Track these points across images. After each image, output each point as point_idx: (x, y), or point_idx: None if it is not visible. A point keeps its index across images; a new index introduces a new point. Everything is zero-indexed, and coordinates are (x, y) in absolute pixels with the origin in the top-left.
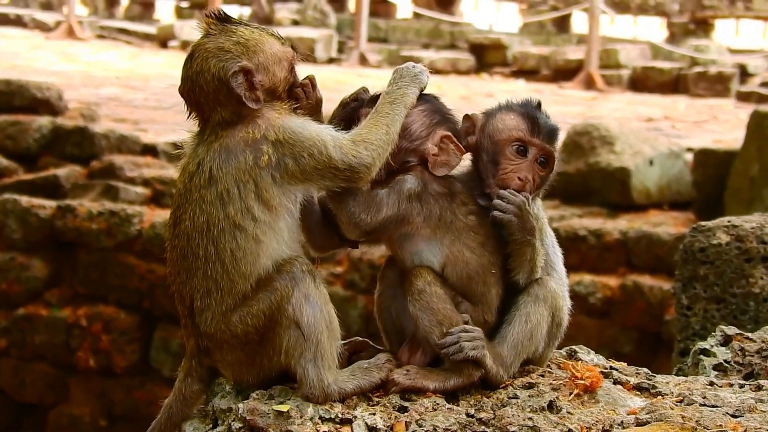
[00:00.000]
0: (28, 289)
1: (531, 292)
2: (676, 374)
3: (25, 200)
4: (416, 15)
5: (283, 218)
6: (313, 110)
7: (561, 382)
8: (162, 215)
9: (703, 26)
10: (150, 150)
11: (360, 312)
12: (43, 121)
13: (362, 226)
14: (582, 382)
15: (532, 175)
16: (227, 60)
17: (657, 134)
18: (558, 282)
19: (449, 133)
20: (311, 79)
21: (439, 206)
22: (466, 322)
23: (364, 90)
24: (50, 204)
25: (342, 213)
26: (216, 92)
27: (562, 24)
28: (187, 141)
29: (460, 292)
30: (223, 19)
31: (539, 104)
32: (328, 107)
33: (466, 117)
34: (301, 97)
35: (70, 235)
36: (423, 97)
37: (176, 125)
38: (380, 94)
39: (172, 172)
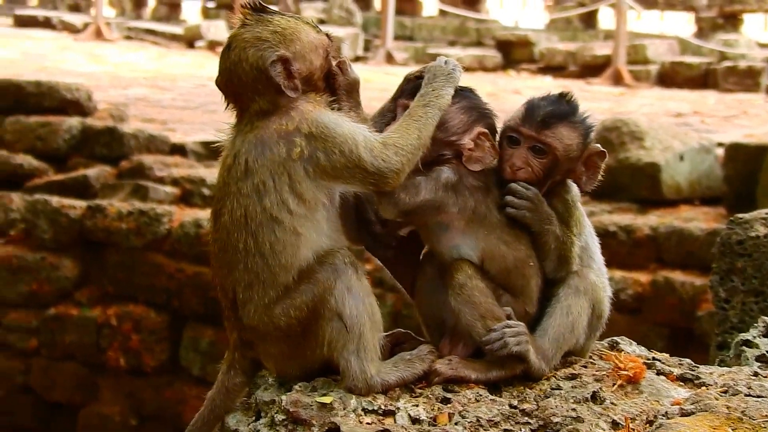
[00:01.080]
0: (58, 288)
1: (571, 285)
2: (719, 365)
3: (55, 200)
4: (442, 12)
5: (320, 211)
6: (351, 89)
7: (604, 372)
8: (191, 215)
9: (731, 20)
10: (178, 149)
11: (389, 310)
12: (73, 121)
13: (400, 205)
14: (625, 372)
15: (523, 162)
16: (265, 49)
17: (687, 129)
18: (597, 274)
19: (486, 131)
20: (345, 60)
21: (474, 199)
22: (508, 316)
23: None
24: (80, 204)
25: (381, 192)
26: (254, 81)
27: (589, 20)
28: (225, 134)
29: (500, 284)
30: (259, 9)
31: (561, 95)
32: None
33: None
34: (338, 73)
35: (100, 234)
36: (461, 93)
37: (204, 125)
38: (418, 82)
39: (201, 171)
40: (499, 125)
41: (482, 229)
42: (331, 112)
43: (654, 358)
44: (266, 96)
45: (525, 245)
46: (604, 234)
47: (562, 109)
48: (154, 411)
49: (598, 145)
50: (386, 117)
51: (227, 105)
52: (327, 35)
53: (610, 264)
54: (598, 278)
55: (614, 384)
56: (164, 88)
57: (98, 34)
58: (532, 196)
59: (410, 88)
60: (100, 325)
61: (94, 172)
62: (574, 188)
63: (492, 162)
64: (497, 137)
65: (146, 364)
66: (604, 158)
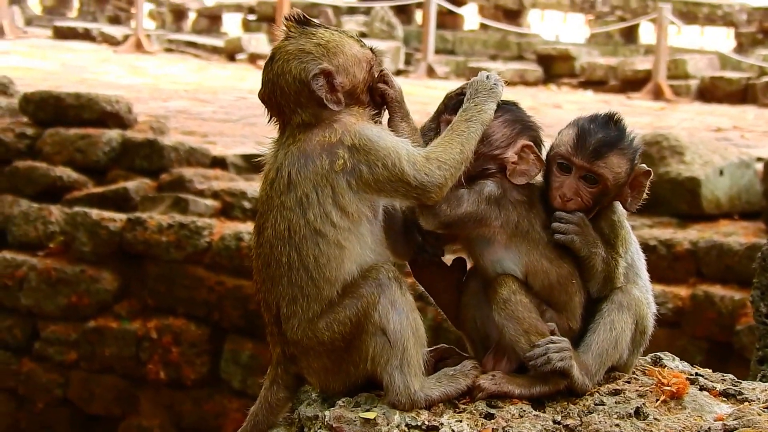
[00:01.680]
0: (98, 301)
1: (615, 300)
2: (761, 380)
3: (95, 213)
4: (483, 26)
5: (363, 224)
6: (400, 101)
7: (647, 388)
8: (231, 228)
9: None
10: (219, 162)
11: (429, 323)
12: (113, 134)
13: (441, 216)
14: (668, 388)
15: (575, 191)
16: (308, 62)
17: (726, 144)
18: (642, 289)
19: (530, 143)
20: (387, 72)
21: (517, 214)
22: (552, 331)
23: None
24: (120, 217)
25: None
26: (297, 94)
27: (630, 34)
28: (268, 148)
29: (544, 300)
30: (303, 21)
31: (610, 118)
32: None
33: None
34: (387, 90)
35: (140, 247)
36: (503, 106)
37: (245, 138)
38: (463, 99)
39: (241, 184)
40: (543, 138)
41: (525, 244)
42: (374, 125)
43: (697, 374)
44: (309, 109)
45: (568, 262)
46: (644, 248)
47: (612, 137)
48: (193, 424)
49: (644, 166)
50: (428, 135)
51: (270, 118)
52: (371, 49)
53: (650, 278)
54: (642, 294)
55: (657, 399)
56: (205, 100)
57: (138, 46)
58: (578, 221)
59: (453, 104)
60: (140, 337)
61: (134, 184)
62: (620, 208)
63: (537, 174)
64: (542, 149)
65: (186, 377)
66: (649, 177)
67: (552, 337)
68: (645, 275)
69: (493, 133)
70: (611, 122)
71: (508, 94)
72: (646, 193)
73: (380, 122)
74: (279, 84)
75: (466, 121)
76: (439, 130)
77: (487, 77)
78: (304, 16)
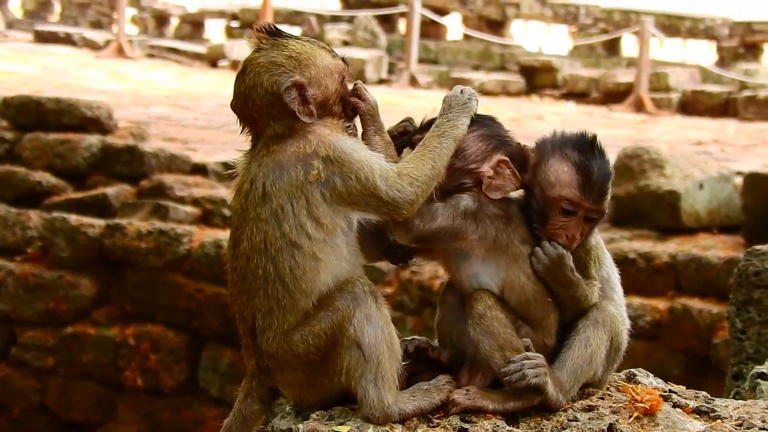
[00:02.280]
0: (77, 307)
1: (590, 317)
2: (734, 398)
3: (74, 219)
4: (466, 37)
5: (338, 235)
6: (373, 113)
7: (621, 405)
8: (211, 235)
9: (752, 50)
10: (200, 169)
11: (409, 333)
12: (93, 139)
13: (414, 231)
14: (642, 405)
15: (580, 232)
16: (280, 74)
17: (707, 158)
18: (617, 305)
19: (507, 158)
20: (360, 84)
21: (495, 228)
22: (527, 347)
23: (409, 121)
24: (99, 223)
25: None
26: (269, 107)
27: (612, 47)
28: (239, 159)
29: (520, 316)
30: (274, 33)
31: (593, 142)
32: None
33: (518, 148)
34: (359, 103)
35: (119, 254)
36: (480, 121)
37: (226, 145)
38: (434, 119)
39: (222, 192)
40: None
41: (504, 259)
42: (348, 138)
43: (670, 391)
44: (282, 121)
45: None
46: (623, 261)
47: (609, 170)
48: (171, 431)
49: None
50: (398, 141)
51: (242, 129)
52: (343, 59)
53: (628, 291)
54: (617, 310)
55: (631, 416)
56: (186, 107)
57: (120, 52)
58: (555, 258)
59: (424, 124)
60: (118, 344)
61: (114, 190)
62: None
63: (512, 190)
64: (518, 164)
65: (164, 385)
66: None
67: (527, 353)
68: (619, 290)
69: (468, 147)
70: (598, 149)
71: (490, 104)
72: (623, 203)
73: (354, 134)
74: (251, 97)
75: (438, 136)
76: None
77: (461, 92)
78: (274, 27)
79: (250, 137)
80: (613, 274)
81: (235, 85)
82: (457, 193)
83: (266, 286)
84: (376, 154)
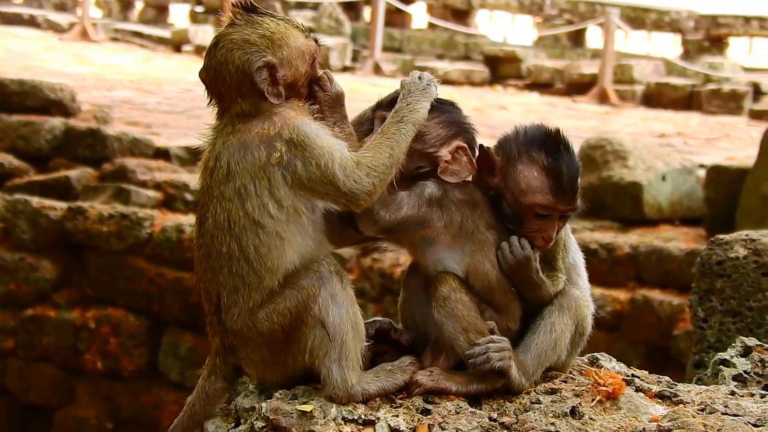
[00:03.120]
0: (37, 290)
1: (555, 302)
2: (696, 384)
3: (35, 201)
4: (431, 26)
5: (302, 216)
6: (334, 104)
7: (583, 388)
8: (173, 219)
9: (717, 44)
10: (162, 154)
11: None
12: (56, 122)
13: (380, 222)
14: (604, 388)
15: (556, 230)
16: (252, 53)
17: (670, 150)
18: (582, 290)
19: (465, 145)
20: (327, 74)
21: (461, 214)
22: (492, 330)
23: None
24: (61, 205)
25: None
26: (239, 84)
27: (577, 38)
28: (207, 135)
29: (484, 300)
30: (250, 9)
31: (558, 139)
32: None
33: (483, 151)
34: (318, 93)
35: (80, 237)
36: (441, 107)
37: (189, 130)
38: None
39: (184, 176)
40: (478, 140)
41: (470, 245)
42: (314, 122)
43: (633, 375)
44: (249, 99)
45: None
46: (585, 251)
47: (577, 166)
48: (131, 415)
49: None
50: (364, 126)
51: (210, 101)
52: (315, 40)
53: (590, 281)
54: (582, 295)
55: (593, 399)
56: (149, 91)
57: (84, 35)
58: (522, 260)
59: (388, 99)
60: (78, 327)
61: (76, 173)
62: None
63: (467, 177)
64: (475, 152)
65: (124, 368)
66: None
67: (492, 336)
68: (584, 275)
69: (428, 132)
70: (564, 145)
71: (454, 94)
72: (585, 193)
73: (320, 118)
74: (221, 72)
75: (397, 122)
76: (373, 126)
77: (420, 77)
78: (251, 3)
79: (217, 111)
80: (579, 258)
81: (205, 58)
82: (415, 175)
83: (231, 263)
84: (339, 141)
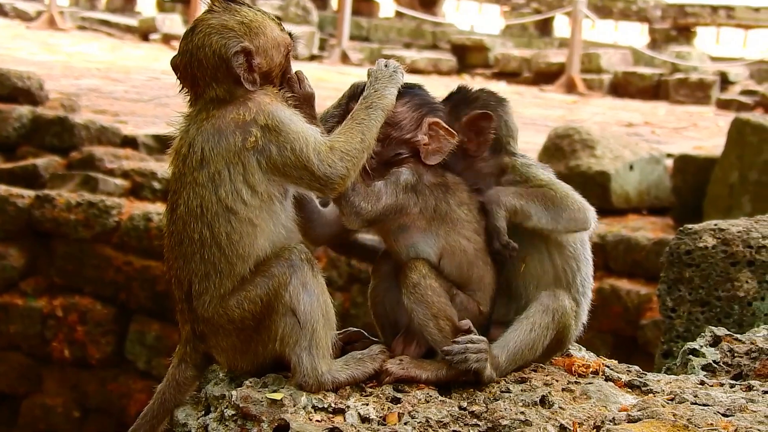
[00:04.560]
0: (4, 278)
1: (543, 302)
2: (665, 374)
3: (3, 189)
4: (398, 14)
5: (275, 203)
6: (302, 105)
7: (553, 377)
8: (140, 208)
9: (684, 33)
10: (130, 142)
11: (337, 309)
12: (23, 110)
13: (363, 215)
14: (574, 378)
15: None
16: (230, 38)
17: (637, 139)
18: (574, 303)
19: (437, 119)
20: (298, 74)
21: (435, 197)
22: (468, 330)
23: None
24: (28, 193)
25: (343, 203)
26: (214, 69)
27: (545, 27)
28: (178, 121)
29: (456, 281)
30: None
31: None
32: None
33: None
34: (295, 83)
35: (48, 225)
36: (409, 91)
37: (156, 118)
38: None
39: (152, 165)
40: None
41: (444, 226)
42: (287, 108)
43: (603, 364)
44: (224, 85)
45: (484, 239)
46: None
47: None
48: (98, 404)
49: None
50: (330, 122)
51: (182, 88)
52: (290, 34)
53: None
54: (571, 305)
55: (563, 389)
56: (117, 80)
57: (51, 23)
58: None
59: (360, 91)
60: (45, 315)
61: (44, 161)
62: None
63: (451, 147)
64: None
65: (91, 356)
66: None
67: (472, 336)
68: (589, 292)
69: (401, 118)
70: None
71: (422, 82)
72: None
73: (293, 105)
74: (197, 56)
75: (366, 108)
76: (344, 118)
77: (386, 65)
78: None
79: (189, 97)
80: (588, 278)
81: (181, 43)
82: (396, 163)
83: (203, 250)
84: (312, 127)
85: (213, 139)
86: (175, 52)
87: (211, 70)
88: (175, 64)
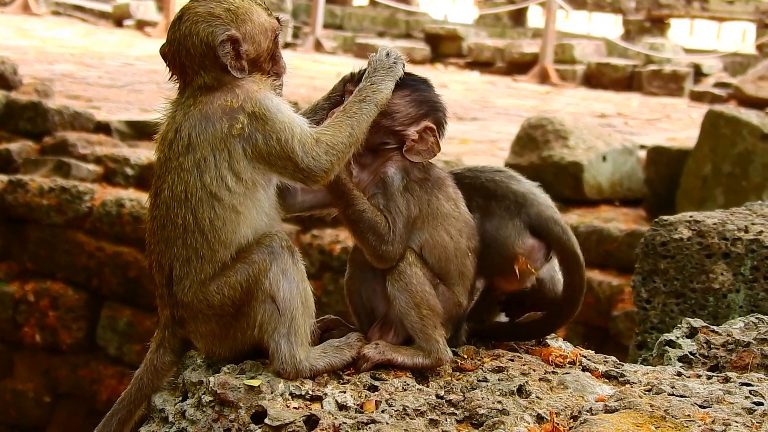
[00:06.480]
0: None
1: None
2: (642, 365)
3: None
4: (372, 2)
5: (258, 191)
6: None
7: (530, 367)
8: (113, 194)
9: (658, 25)
10: (103, 128)
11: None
12: None
13: (394, 254)
14: (551, 368)
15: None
16: (216, 26)
17: (610, 130)
18: None
19: (434, 126)
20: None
21: (426, 192)
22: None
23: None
24: (1, 178)
25: (368, 250)
26: (202, 57)
27: (518, 17)
28: (164, 107)
29: (437, 274)
30: None
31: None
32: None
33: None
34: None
35: (21, 210)
36: (413, 84)
37: (130, 104)
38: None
39: (125, 150)
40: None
41: (429, 222)
42: (275, 96)
43: (580, 354)
44: (212, 72)
45: (467, 238)
46: None
47: None
48: (69, 389)
49: None
50: (318, 114)
51: (171, 76)
52: (277, 18)
53: None
54: None
55: (540, 378)
56: (91, 65)
57: (26, 8)
58: None
59: (358, 75)
60: (17, 300)
61: (17, 146)
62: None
63: (431, 158)
64: (444, 133)
65: (62, 342)
66: None
67: None
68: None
69: (398, 110)
70: None
71: None
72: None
73: (281, 93)
74: (185, 45)
75: (359, 101)
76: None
77: (387, 54)
78: None
79: (178, 85)
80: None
81: (169, 32)
82: (380, 152)
83: (185, 235)
84: (300, 117)
85: (200, 125)
86: (148, 38)
87: (199, 59)
88: (164, 53)
